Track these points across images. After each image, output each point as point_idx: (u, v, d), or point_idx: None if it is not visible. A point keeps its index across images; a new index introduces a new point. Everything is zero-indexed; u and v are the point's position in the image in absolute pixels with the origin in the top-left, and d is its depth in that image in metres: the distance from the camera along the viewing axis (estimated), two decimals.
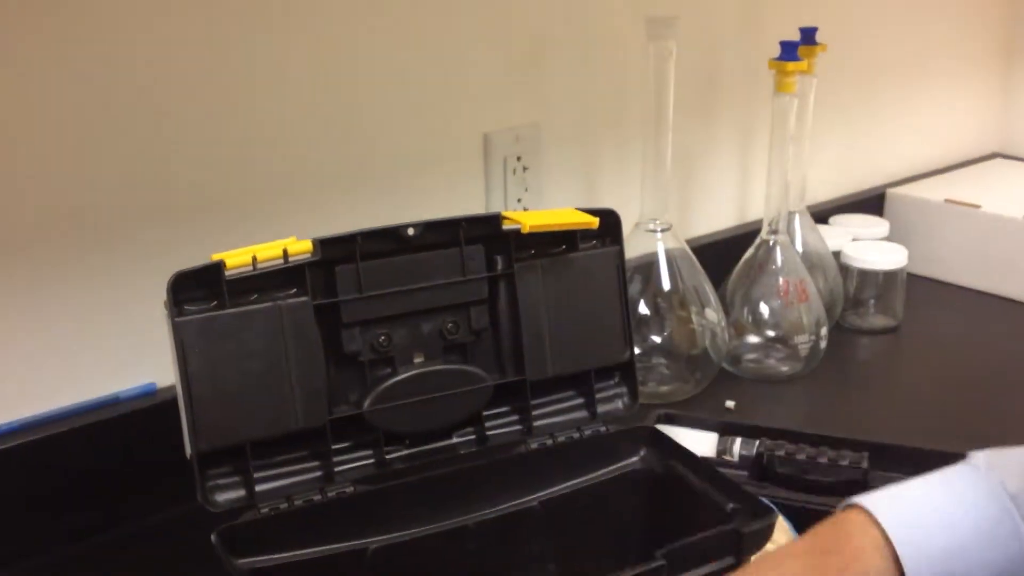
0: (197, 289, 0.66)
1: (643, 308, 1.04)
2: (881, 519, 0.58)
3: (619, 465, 0.77)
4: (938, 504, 0.59)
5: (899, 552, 0.57)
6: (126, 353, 0.86)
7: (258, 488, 0.69)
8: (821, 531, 0.60)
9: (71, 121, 0.80)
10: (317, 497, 0.70)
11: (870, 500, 0.60)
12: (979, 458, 0.62)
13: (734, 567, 0.63)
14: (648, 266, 1.04)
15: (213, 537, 0.64)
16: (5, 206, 0.79)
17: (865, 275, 1.22)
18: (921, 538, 0.57)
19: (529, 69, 1.07)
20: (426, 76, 0.99)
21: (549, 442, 0.77)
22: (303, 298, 0.69)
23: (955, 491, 0.60)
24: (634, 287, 1.03)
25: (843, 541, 0.58)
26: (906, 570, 0.57)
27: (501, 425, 0.77)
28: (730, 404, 1.04)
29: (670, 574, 0.60)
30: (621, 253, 0.79)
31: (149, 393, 0.87)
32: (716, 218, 1.31)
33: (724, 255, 1.16)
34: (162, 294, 0.65)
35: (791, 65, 1.04)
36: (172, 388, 0.68)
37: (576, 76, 1.10)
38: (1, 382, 0.81)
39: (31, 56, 0.77)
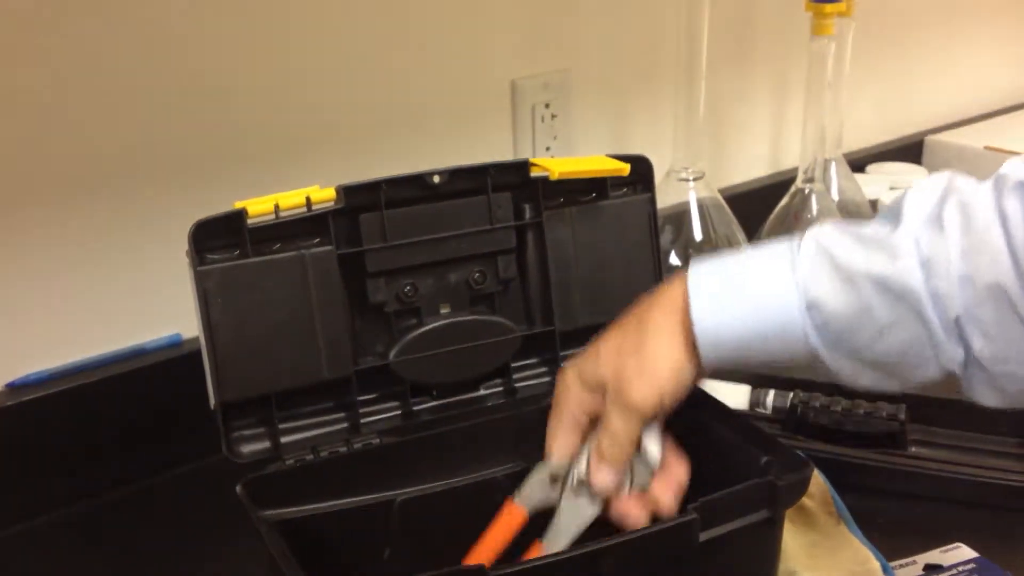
0: (219, 238, 0.65)
1: (674, 259, 1.02)
2: (692, 298, 0.60)
3: None
4: (750, 292, 0.60)
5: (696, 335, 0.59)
6: (151, 304, 0.86)
7: (283, 440, 0.68)
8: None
9: (92, 74, 0.78)
10: (343, 449, 0.69)
11: (696, 270, 0.61)
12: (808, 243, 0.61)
13: (768, 521, 0.61)
14: (680, 216, 1.02)
15: (238, 488, 0.63)
16: (30, 160, 0.78)
17: None
18: (719, 325, 0.59)
19: (558, 13, 1.04)
20: (452, 22, 0.96)
21: None
22: (327, 247, 0.68)
23: (769, 278, 0.60)
24: (665, 237, 1.01)
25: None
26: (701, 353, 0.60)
27: (530, 376, 0.76)
28: None
29: (703, 528, 0.58)
30: (653, 200, 0.77)
31: (175, 344, 0.86)
32: (750, 166, 1.28)
33: (758, 204, 1.14)
34: (186, 244, 0.64)
35: (829, 7, 1.01)
36: (197, 339, 0.67)
37: (607, 20, 1.08)
38: (27, 333, 0.81)
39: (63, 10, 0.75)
